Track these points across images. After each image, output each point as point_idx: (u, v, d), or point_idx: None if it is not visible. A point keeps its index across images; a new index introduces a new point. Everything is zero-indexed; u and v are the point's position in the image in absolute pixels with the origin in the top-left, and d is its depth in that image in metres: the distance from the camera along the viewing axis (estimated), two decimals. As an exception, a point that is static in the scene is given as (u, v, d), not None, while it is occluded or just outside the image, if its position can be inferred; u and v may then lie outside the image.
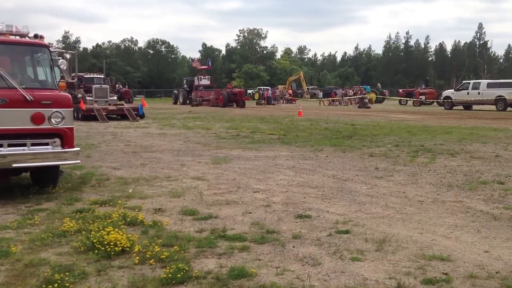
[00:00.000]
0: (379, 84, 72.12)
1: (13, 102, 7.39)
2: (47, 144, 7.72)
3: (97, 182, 9.13)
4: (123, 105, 30.11)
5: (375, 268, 4.78)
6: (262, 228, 6.11)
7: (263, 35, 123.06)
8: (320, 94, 61.94)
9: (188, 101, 52.00)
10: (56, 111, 7.70)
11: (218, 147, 14.78)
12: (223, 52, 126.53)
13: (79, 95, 27.79)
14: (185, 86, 55.11)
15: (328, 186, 8.86)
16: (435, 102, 45.92)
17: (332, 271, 4.69)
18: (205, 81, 53.23)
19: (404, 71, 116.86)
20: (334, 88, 74.77)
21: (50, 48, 8.75)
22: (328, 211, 7.01)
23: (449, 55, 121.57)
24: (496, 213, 6.89)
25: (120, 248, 5.11)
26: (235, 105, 45.34)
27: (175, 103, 55.53)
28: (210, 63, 59.66)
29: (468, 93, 38.43)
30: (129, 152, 13.68)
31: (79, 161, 8.27)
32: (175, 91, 59.68)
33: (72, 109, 8.25)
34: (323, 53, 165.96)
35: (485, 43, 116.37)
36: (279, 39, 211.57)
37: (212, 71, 59.84)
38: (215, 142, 16.20)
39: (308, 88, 78.46)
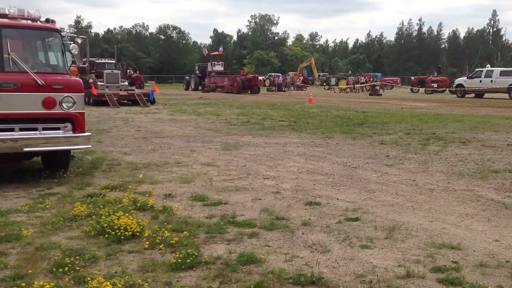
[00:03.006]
0: (350, 72, 72.51)
1: (24, 86, 7.41)
2: (58, 128, 7.75)
3: (108, 167, 9.17)
4: (134, 90, 30.12)
5: (384, 255, 4.78)
6: (272, 215, 6.11)
7: (275, 21, 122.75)
8: (333, 81, 61.36)
9: (200, 87, 51.88)
10: (68, 96, 7.73)
11: (229, 133, 14.78)
12: (235, 38, 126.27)
13: (91, 80, 27.80)
14: (197, 72, 55.02)
15: (338, 173, 8.84)
16: (447, 90, 45.54)
17: (341, 258, 4.69)
18: (219, 67, 53.11)
19: (417, 58, 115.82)
20: (345, 75, 74.40)
21: (62, 33, 8.75)
22: (337, 199, 7.00)
23: (462, 43, 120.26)
24: (507, 202, 6.84)
25: (130, 232, 5.14)
26: (249, 92, 45.19)
27: (187, 89, 55.49)
28: (222, 49, 59.43)
29: (480, 81, 38.06)
30: (139, 137, 13.73)
31: (90, 146, 8.30)
32: (187, 77, 59.53)
33: (83, 94, 8.26)
34: (335, 39, 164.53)
35: (498, 30, 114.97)
36: (290, 25, 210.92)
37: (224, 57, 59.69)
38: (226, 128, 16.20)
39: (319, 75, 78.07)
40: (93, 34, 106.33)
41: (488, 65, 49.55)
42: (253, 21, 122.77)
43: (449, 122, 17.86)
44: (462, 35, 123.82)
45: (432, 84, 48.58)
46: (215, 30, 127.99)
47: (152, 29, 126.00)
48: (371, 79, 54.17)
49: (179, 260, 4.42)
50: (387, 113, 22.08)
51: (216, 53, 59.16)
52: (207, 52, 61.46)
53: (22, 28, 8.36)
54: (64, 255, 4.55)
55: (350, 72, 73.78)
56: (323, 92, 54.59)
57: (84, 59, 9.02)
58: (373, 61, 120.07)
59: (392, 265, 4.54)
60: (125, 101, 28.11)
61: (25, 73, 7.50)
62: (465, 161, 9.98)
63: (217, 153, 10.96)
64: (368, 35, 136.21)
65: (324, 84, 65.74)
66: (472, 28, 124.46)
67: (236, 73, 58.08)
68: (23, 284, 3.90)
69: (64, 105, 7.70)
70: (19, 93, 7.39)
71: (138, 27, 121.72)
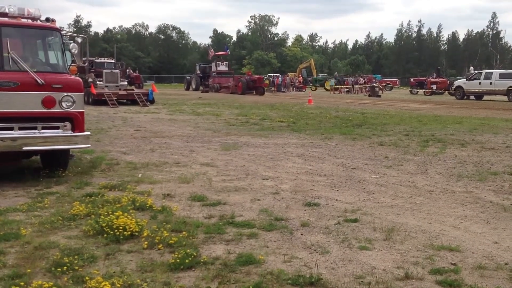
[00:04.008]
0: (336, 73, 72.83)
1: (24, 85, 7.41)
2: (57, 128, 7.74)
3: (107, 167, 9.17)
4: (133, 90, 30.09)
5: (383, 257, 4.78)
6: (271, 215, 6.11)
7: (275, 22, 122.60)
8: (332, 81, 61.21)
9: (202, 87, 51.65)
10: (67, 95, 7.72)
11: (228, 133, 14.78)
12: (234, 38, 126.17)
13: (90, 80, 27.78)
14: (198, 72, 54.91)
15: (337, 174, 8.84)
16: (446, 92, 45.56)
17: (340, 260, 4.69)
18: (223, 68, 53.06)
19: (416, 60, 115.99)
20: (344, 76, 74.39)
21: (62, 32, 8.75)
22: (336, 200, 7.01)
23: (461, 45, 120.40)
24: (506, 204, 6.84)
25: (129, 232, 5.13)
26: (254, 92, 45.10)
27: (187, 89, 55.33)
28: (228, 50, 59.47)
29: (480, 83, 38.09)
30: (138, 137, 13.72)
31: (89, 145, 8.31)
32: (188, 77, 59.26)
33: (83, 93, 8.26)
34: (334, 40, 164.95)
35: (498, 32, 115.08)
36: (290, 26, 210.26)
37: (225, 58, 59.52)
38: (225, 128, 16.20)
39: (318, 75, 78.03)
40: (92, 34, 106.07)
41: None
42: (253, 21, 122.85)
43: (448, 124, 17.88)
44: (461, 37, 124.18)
45: (431, 86, 48.62)
46: (215, 30, 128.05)
47: (152, 28, 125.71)
48: (372, 80, 54.14)
49: (178, 260, 4.42)
50: (386, 114, 22.09)
51: (222, 52, 59.07)
52: (213, 53, 61.08)
53: (22, 27, 8.36)
54: (63, 254, 4.55)
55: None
56: (323, 93, 54.60)
57: (84, 59, 9.01)
58: (372, 62, 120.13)
59: (391, 266, 4.54)
60: (124, 101, 28.11)
61: (25, 72, 7.50)
62: (464, 163, 9.99)
63: (216, 153, 10.96)
64: (368, 36, 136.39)
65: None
66: (472, 30, 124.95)
67: (237, 74, 58.03)
68: (22, 283, 3.90)
69: (64, 104, 7.70)
70: (18, 92, 7.39)
71: (138, 26, 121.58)
